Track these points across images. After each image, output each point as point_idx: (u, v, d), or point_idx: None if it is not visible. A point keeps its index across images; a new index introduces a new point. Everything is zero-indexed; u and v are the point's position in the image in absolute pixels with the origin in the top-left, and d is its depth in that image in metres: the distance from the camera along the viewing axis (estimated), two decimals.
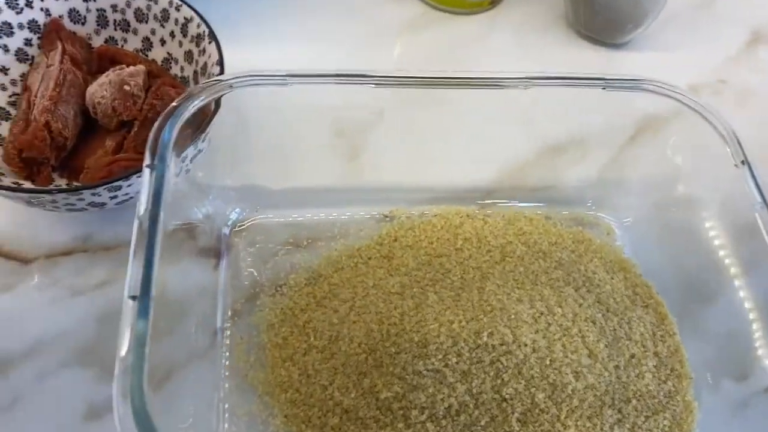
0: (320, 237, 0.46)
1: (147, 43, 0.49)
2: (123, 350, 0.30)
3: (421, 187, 0.49)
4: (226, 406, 0.39)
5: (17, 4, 0.46)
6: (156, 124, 0.36)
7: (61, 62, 0.45)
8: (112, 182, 0.38)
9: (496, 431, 0.37)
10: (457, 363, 0.38)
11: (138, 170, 0.39)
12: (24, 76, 0.47)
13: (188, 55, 0.47)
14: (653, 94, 0.43)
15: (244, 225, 0.46)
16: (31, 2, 0.47)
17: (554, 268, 0.44)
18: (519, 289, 0.42)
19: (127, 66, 0.46)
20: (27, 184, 0.43)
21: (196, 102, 0.38)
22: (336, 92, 0.43)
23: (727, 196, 0.45)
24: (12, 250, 0.44)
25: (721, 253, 0.45)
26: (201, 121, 0.39)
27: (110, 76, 0.45)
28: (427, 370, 0.38)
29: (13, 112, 0.46)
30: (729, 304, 0.43)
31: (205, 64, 0.45)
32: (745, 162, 0.40)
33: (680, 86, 0.43)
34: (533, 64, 0.60)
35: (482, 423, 0.37)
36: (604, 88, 0.43)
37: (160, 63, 0.49)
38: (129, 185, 0.39)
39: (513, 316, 0.40)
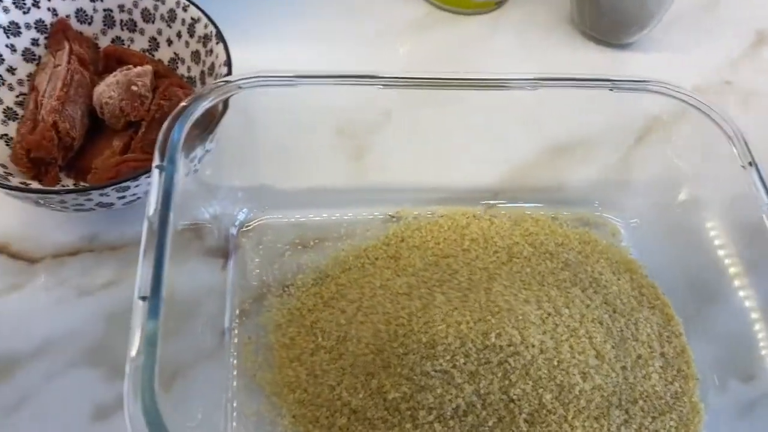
0: (327, 237, 0.46)
1: (153, 43, 0.49)
2: (133, 351, 0.30)
3: (428, 187, 0.49)
4: (234, 405, 0.39)
5: (24, 3, 0.46)
6: (165, 125, 0.36)
7: (69, 62, 0.45)
8: (121, 183, 0.38)
9: None
10: (464, 364, 0.38)
11: (146, 171, 0.39)
12: (31, 76, 0.47)
13: (195, 56, 0.47)
14: (660, 96, 0.43)
15: (251, 225, 0.46)
16: (38, 2, 0.47)
17: (561, 269, 0.44)
18: (526, 290, 0.42)
19: (134, 66, 0.46)
20: (35, 184, 0.43)
21: (204, 103, 0.38)
22: (342, 93, 0.43)
23: (733, 197, 0.45)
24: (19, 250, 0.44)
25: (727, 253, 0.45)
26: (209, 122, 0.39)
27: (117, 76, 0.45)
28: (435, 371, 0.38)
29: (20, 111, 0.47)
30: (735, 305, 0.44)
31: (213, 64, 0.45)
32: (752, 163, 0.40)
33: (687, 88, 0.43)
34: (538, 65, 0.60)
35: (490, 423, 0.37)
36: (611, 90, 0.43)
37: (166, 63, 0.49)
38: (137, 186, 0.39)
39: (521, 317, 0.40)
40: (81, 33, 0.49)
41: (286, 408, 0.39)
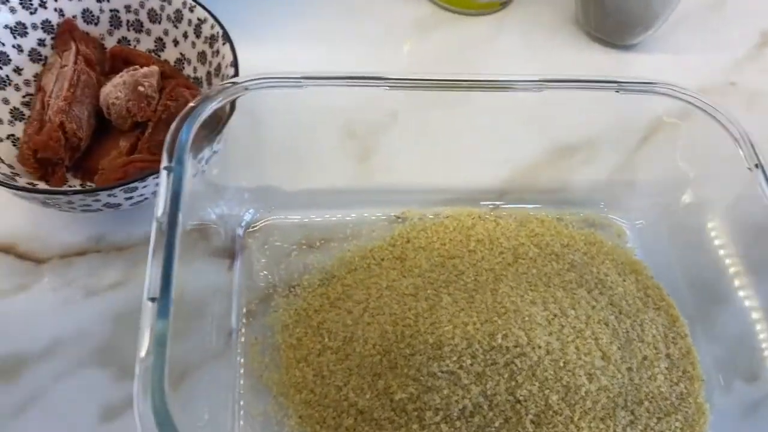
0: (333, 238, 0.46)
1: (160, 43, 0.50)
2: (143, 351, 0.30)
3: (433, 188, 0.49)
4: (241, 406, 0.39)
5: (31, 4, 0.46)
6: (173, 126, 0.36)
7: (75, 63, 0.45)
8: (129, 183, 0.38)
9: None
10: (471, 365, 0.38)
11: (154, 171, 0.39)
12: (37, 77, 0.47)
13: (201, 56, 0.47)
14: (666, 97, 0.43)
15: (257, 226, 0.46)
16: (45, 2, 0.47)
17: (567, 270, 0.44)
18: (532, 291, 0.42)
19: (141, 67, 0.46)
20: (41, 185, 0.43)
21: (212, 104, 0.38)
22: (348, 94, 0.43)
23: (738, 198, 0.45)
24: (26, 250, 0.44)
25: (732, 255, 0.46)
26: (216, 123, 0.39)
27: (124, 76, 0.45)
28: (442, 372, 0.38)
29: (26, 112, 0.47)
30: (739, 306, 0.44)
31: (219, 65, 0.45)
32: (759, 165, 0.41)
33: (693, 89, 0.43)
34: (542, 66, 0.60)
35: (496, 424, 0.37)
36: (617, 91, 0.43)
37: (172, 64, 0.49)
38: (144, 186, 0.39)
39: (527, 318, 0.40)
40: (87, 33, 0.49)
41: (293, 408, 0.39)
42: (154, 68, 0.46)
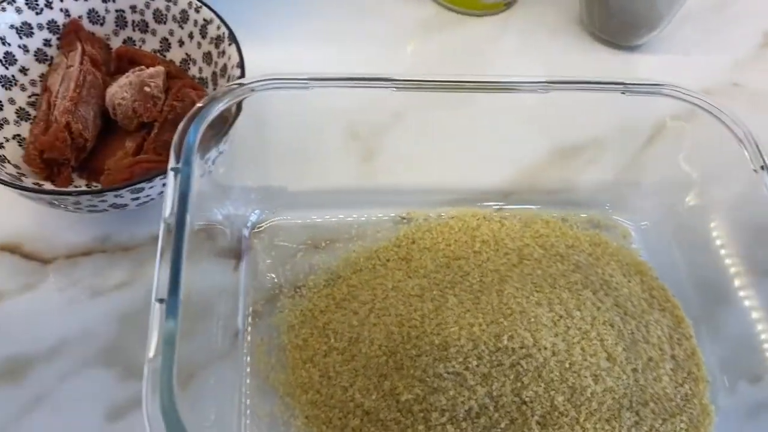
0: (338, 238, 0.46)
1: (165, 43, 0.50)
2: (151, 352, 0.30)
3: (438, 188, 0.49)
4: (248, 406, 0.39)
5: (37, 4, 0.46)
6: (180, 127, 0.36)
7: (81, 63, 0.46)
8: (135, 184, 0.38)
9: None
10: (477, 366, 0.38)
11: (160, 172, 0.39)
12: (43, 77, 0.47)
13: (207, 57, 0.48)
14: (672, 99, 0.43)
15: (262, 226, 0.46)
16: (51, 3, 0.47)
17: (572, 271, 0.44)
18: (538, 292, 0.42)
19: (146, 67, 0.46)
20: (47, 185, 0.43)
21: (219, 105, 0.38)
22: (353, 94, 0.43)
23: (743, 200, 0.45)
24: (32, 250, 0.44)
25: (737, 256, 0.46)
26: (222, 124, 0.40)
27: (130, 77, 0.45)
28: (448, 373, 0.38)
29: (32, 112, 0.47)
30: (744, 307, 0.44)
31: (225, 65, 0.45)
32: (765, 167, 0.41)
33: (697, 91, 0.43)
34: (546, 66, 0.60)
35: (502, 425, 0.37)
36: (623, 93, 0.43)
37: (178, 64, 0.49)
38: (151, 187, 0.40)
39: (533, 320, 0.40)
40: (93, 34, 0.49)
41: (299, 409, 0.39)
42: (160, 68, 0.46)
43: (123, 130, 0.46)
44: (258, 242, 0.45)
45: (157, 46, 0.50)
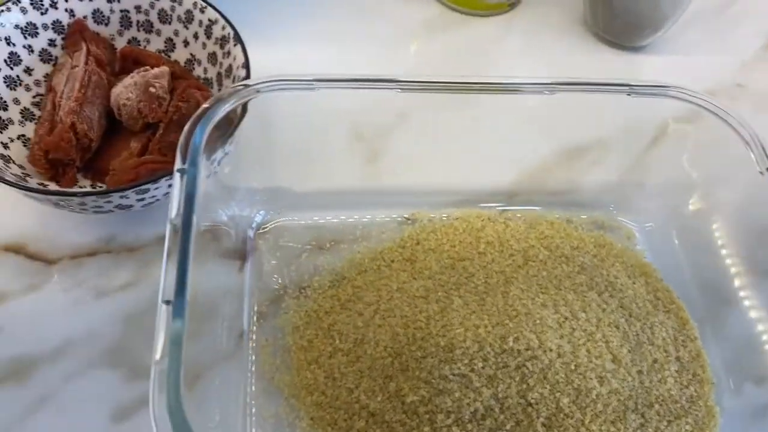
0: (343, 239, 0.46)
1: (170, 44, 0.50)
2: (158, 354, 0.30)
3: (442, 189, 0.49)
4: (253, 408, 0.39)
5: (42, 4, 0.46)
6: (186, 128, 0.36)
7: (86, 63, 0.45)
8: (141, 185, 0.38)
9: None
10: (483, 368, 0.38)
11: (166, 173, 0.39)
12: (48, 77, 0.47)
13: (212, 57, 0.47)
14: (679, 101, 0.43)
15: (267, 227, 0.46)
16: (56, 3, 0.47)
17: (577, 272, 0.44)
18: (543, 293, 0.42)
19: (151, 67, 0.46)
20: (52, 185, 0.43)
21: (225, 106, 0.38)
22: (357, 95, 0.43)
23: (748, 202, 0.45)
24: (36, 251, 0.44)
25: (742, 257, 0.46)
26: (227, 125, 0.39)
27: (135, 77, 0.45)
28: (453, 375, 0.38)
29: (36, 112, 0.47)
30: (749, 309, 0.44)
31: (230, 66, 0.45)
32: None
33: (703, 92, 0.43)
34: (550, 67, 0.60)
35: (507, 427, 0.37)
36: (629, 94, 0.43)
37: (182, 64, 0.49)
38: (156, 188, 0.40)
39: (538, 321, 0.40)
40: (98, 34, 0.49)
41: (305, 410, 0.39)
42: (165, 69, 0.46)
43: (128, 131, 0.46)
44: (263, 243, 0.45)
45: (161, 46, 0.50)
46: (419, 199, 0.49)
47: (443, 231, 0.47)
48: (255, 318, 0.42)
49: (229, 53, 0.46)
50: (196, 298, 0.34)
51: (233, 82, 0.45)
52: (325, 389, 0.39)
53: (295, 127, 0.44)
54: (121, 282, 0.44)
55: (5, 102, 0.45)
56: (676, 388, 0.41)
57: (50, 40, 0.47)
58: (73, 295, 0.43)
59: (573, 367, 0.39)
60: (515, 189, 0.50)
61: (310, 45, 0.57)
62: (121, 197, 0.39)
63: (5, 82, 0.45)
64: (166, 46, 0.50)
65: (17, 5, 0.45)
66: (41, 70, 0.47)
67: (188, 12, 0.47)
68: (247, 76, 0.43)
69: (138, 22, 0.49)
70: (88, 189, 0.44)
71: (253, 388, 0.40)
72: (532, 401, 0.38)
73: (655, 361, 0.41)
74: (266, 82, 0.39)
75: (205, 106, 0.37)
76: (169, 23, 0.49)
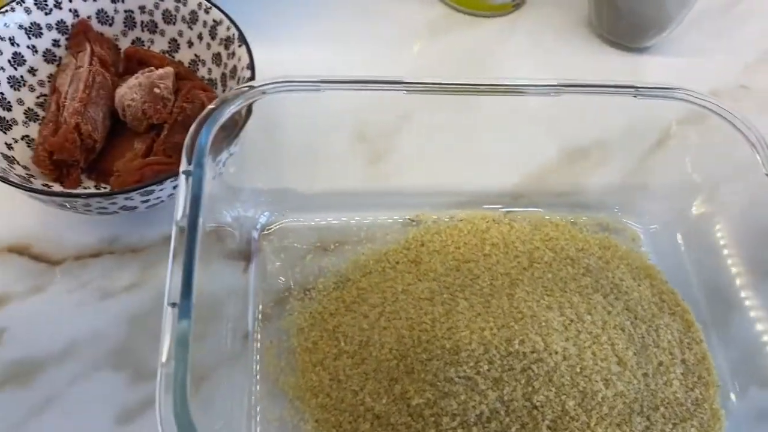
0: (347, 241, 0.46)
1: (174, 44, 0.49)
2: (164, 357, 0.30)
3: (447, 191, 0.49)
4: (257, 410, 0.39)
5: (46, 4, 0.46)
6: (192, 129, 0.36)
7: (90, 64, 0.45)
8: (146, 187, 0.38)
9: None
10: (488, 370, 0.38)
11: (171, 174, 0.39)
12: (52, 78, 0.47)
13: (216, 58, 0.47)
14: (685, 103, 0.43)
15: (271, 228, 0.46)
16: (60, 3, 0.47)
17: (582, 274, 0.44)
18: (548, 296, 0.42)
19: (155, 68, 0.46)
20: (56, 186, 0.43)
21: (231, 107, 0.38)
22: (361, 96, 0.43)
23: (753, 204, 0.45)
24: (40, 252, 0.44)
25: (747, 260, 0.45)
26: (232, 126, 0.39)
27: (140, 78, 0.45)
28: (459, 377, 0.38)
29: (40, 113, 0.47)
30: (754, 312, 0.44)
31: (235, 67, 0.45)
32: None
33: (708, 94, 0.43)
34: (555, 68, 0.60)
35: (513, 430, 0.37)
36: (635, 96, 0.43)
37: (186, 65, 0.49)
38: (161, 189, 0.39)
39: (544, 324, 0.40)
40: (102, 34, 0.49)
41: (309, 413, 0.39)
42: (169, 69, 0.46)
43: (132, 132, 0.46)
44: (267, 244, 0.45)
45: (165, 46, 0.50)
46: (423, 201, 0.49)
47: (448, 232, 0.47)
48: (259, 319, 0.42)
49: (233, 54, 0.45)
50: (200, 300, 0.34)
51: (238, 83, 0.45)
52: (330, 391, 0.39)
53: (299, 128, 0.44)
54: (126, 283, 0.44)
55: (9, 102, 0.45)
56: (682, 391, 0.41)
57: (54, 40, 0.47)
58: (77, 296, 0.43)
59: (578, 370, 0.39)
60: (520, 190, 0.50)
61: (314, 45, 0.57)
62: (126, 199, 0.39)
63: (9, 82, 0.45)
64: (170, 47, 0.50)
65: (21, 5, 0.45)
66: (45, 70, 0.47)
67: (193, 12, 0.47)
68: (252, 77, 0.43)
69: (142, 22, 0.49)
70: (93, 190, 0.44)
71: (258, 389, 0.40)
72: (538, 404, 0.38)
73: (660, 363, 0.41)
74: (272, 83, 0.39)
75: (210, 107, 0.37)
76: (174, 24, 0.49)
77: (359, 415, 0.38)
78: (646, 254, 0.48)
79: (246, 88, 0.39)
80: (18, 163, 0.43)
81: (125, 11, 0.49)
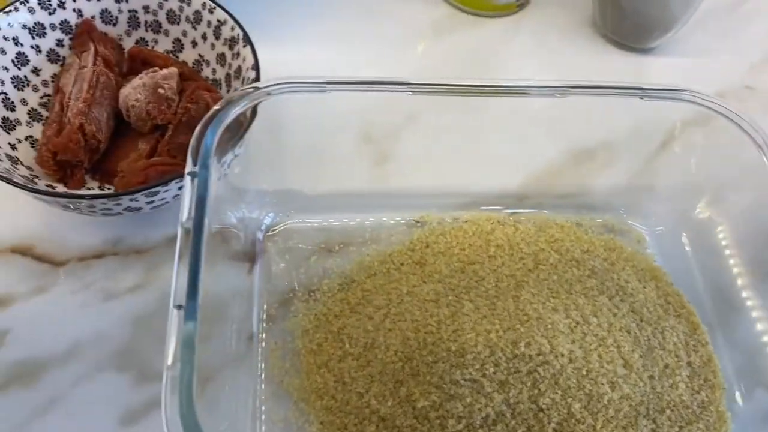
0: (352, 242, 0.46)
1: (178, 44, 0.49)
2: (170, 359, 0.30)
3: (451, 192, 0.49)
4: (263, 412, 0.39)
5: (50, 4, 0.46)
6: (197, 130, 0.36)
7: (94, 64, 0.45)
8: (151, 188, 0.38)
9: None
10: (494, 373, 0.38)
11: (176, 175, 0.39)
12: (55, 78, 0.47)
13: (220, 58, 0.47)
14: (691, 105, 0.43)
15: (276, 229, 0.46)
16: (64, 3, 0.46)
17: (588, 276, 0.44)
18: (554, 298, 0.42)
19: (159, 68, 0.46)
20: (60, 187, 0.43)
21: (236, 108, 0.37)
22: (366, 97, 0.42)
23: (759, 206, 0.45)
24: (44, 252, 0.44)
25: (753, 262, 0.45)
26: (237, 127, 0.39)
27: (144, 78, 0.44)
28: (465, 380, 0.38)
29: (44, 113, 0.46)
30: (760, 314, 0.44)
31: (239, 67, 0.45)
32: None
33: (718, 98, 0.43)
34: (559, 68, 0.60)
35: None
36: (641, 98, 0.42)
37: (190, 65, 0.49)
38: (166, 191, 0.39)
39: (549, 326, 0.40)
40: (106, 34, 0.48)
41: (314, 414, 0.39)
42: (174, 70, 0.46)
43: (136, 132, 0.46)
44: (272, 245, 0.45)
45: (169, 46, 0.49)
46: (428, 202, 0.48)
47: (453, 234, 0.47)
48: (264, 321, 0.42)
49: (238, 54, 0.45)
50: (205, 301, 0.33)
51: (242, 83, 0.44)
52: (335, 393, 0.39)
53: (304, 129, 0.44)
54: (129, 284, 0.43)
55: (13, 103, 0.45)
56: (688, 394, 0.41)
57: (58, 40, 0.47)
58: (81, 297, 0.43)
59: (584, 373, 0.39)
60: (524, 192, 0.50)
61: (318, 45, 0.57)
62: (131, 200, 0.39)
63: (13, 82, 0.45)
64: (174, 47, 0.49)
65: (25, 5, 0.45)
66: (49, 70, 0.47)
67: (197, 12, 0.47)
68: (257, 78, 0.43)
69: (146, 22, 0.49)
70: (98, 191, 0.44)
71: (263, 391, 0.39)
72: (544, 406, 0.37)
73: (666, 366, 0.41)
74: (277, 84, 0.39)
75: (216, 108, 0.37)
76: (178, 24, 0.48)
77: (364, 418, 0.38)
78: (652, 256, 0.48)
79: (251, 89, 0.39)
80: (22, 163, 0.43)
81: (129, 11, 0.48)
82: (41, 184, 0.42)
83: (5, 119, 0.44)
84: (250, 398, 0.39)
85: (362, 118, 0.48)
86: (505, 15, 0.62)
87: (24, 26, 0.45)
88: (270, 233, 0.45)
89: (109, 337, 0.41)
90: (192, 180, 0.35)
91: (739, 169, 0.45)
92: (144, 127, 0.44)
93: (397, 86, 0.41)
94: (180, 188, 0.40)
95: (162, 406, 0.29)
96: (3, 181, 0.39)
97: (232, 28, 0.46)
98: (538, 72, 0.59)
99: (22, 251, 0.44)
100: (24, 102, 0.46)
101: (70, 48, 0.47)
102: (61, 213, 0.44)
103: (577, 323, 0.41)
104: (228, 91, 0.47)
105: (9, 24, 0.44)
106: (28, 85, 0.46)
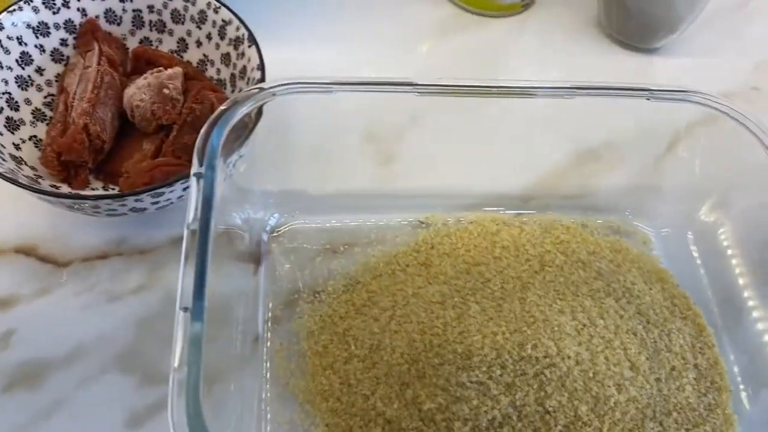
0: (357, 243, 0.46)
1: (182, 44, 0.49)
2: (176, 362, 0.30)
3: (457, 192, 0.49)
4: (268, 414, 0.39)
5: (54, 4, 0.46)
6: (203, 131, 0.36)
7: (99, 63, 0.45)
8: (156, 189, 0.38)
9: None
10: (501, 375, 0.38)
11: (181, 176, 0.38)
12: (59, 77, 0.47)
13: (225, 58, 0.47)
14: (698, 106, 0.42)
15: (281, 230, 0.46)
16: (68, 2, 0.46)
17: (594, 278, 0.44)
18: (560, 300, 0.42)
19: (164, 68, 0.46)
20: (64, 187, 0.43)
21: (242, 108, 0.37)
22: (371, 97, 0.42)
23: (765, 206, 0.44)
24: (47, 253, 0.44)
25: (759, 264, 0.45)
26: (242, 128, 0.39)
27: (148, 78, 0.44)
28: (471, 382, 0.37)
29: (48, 113, 0.46)
30: (766, 315, 0.43)
31: (244, 67, 0.45)
32: None
33: (726, 99, 0.43)
34: (564, 68, 0.59)
35: None
36: (648, 99, 0.42)
37: (195, 65, 0.49)
38: (171, 191, 0.39)
39: (556, 328, 0.39)
40: (110, 33, 0.48)
41: (320, 417, 0.39)
42: (178, 70, 0.45)
43: (140, 132, 0.45)
44: (277, 246, 0.45)
45: (174, 46, 0.49)
46: (433, 203, 0.48)
47: (458, 235, 0.46)
48: (269, 322, 0.42)
49: (243, 54, 0.45)
50: (211, 302, 0.33)
51: (248, 83, 0.44)
52: (340, 395, 0.39)
53: (308, 130, 0.44)
54: (133, 285, 0.43)
55: (17, 102, 0.45)
56: (694, 396, 0.41)
57: (62, 39, 0.47)
58: (85, 298, 0.43)
59: (591, 375, 0.38)
60: (530, 193, 0.50)
61: (323, 45, 0.57)
62: (136, 200, 0.38)
63: (17, 82, 0.45)
64: (178, 47, 0.49)
65: (29, 4, 0.45)
66: (53, 70, 0.47)
67: (202, 12, 0.47)
68: (262, 78, 0.43)
69: (150, 21, 0.49)
70: (102, 192, 0.44)
71: (268, 393, 0.39)
72: (550, 409, 0.37)
73: (673, 368, 0.41)
74: (282, 85, 0.39)
75: (221, 108, 0.37)
76: (182, 23, 0.48)
77: (370, 420, 0.38)
78: (658, 257, 0.48)
79: (256, 90, 0.39)
80: (26, 163, 0.43)
81: (133, 10, 0.48)
82: (45, 185, 0.42)
83: (9, 119, 0.44)
84: (256, 400, 0.39)
85: (367, 119, 0.48)
86: (510, 15, 0.62)
87: (28, 25, 0.45)
88: (275, 234, 0.45)
89: (113, 339, 0.41)
90: (198, 181, 0.34)
91: (745, 170, 0.45)
92: (149, 127, 0.44)
93: (403, 87, 0.40)
94: (185, 189, 0.40)
95: (168, 409, 0.29)
96: (7, 181, 0.38)
97: (237, 28, 0.45)
98: (543, 72, 0.59)
99: (26, 251, 0.44)
100: (28, 102, 0.45)
101: (74, 47, 0.47)
102: (65, 213, 0.44)
103: (584, 325, 0.40)
104: (233, 91, 0.47)
105: (13, 23, 0.44)
106: (32, 84, 0.46)
